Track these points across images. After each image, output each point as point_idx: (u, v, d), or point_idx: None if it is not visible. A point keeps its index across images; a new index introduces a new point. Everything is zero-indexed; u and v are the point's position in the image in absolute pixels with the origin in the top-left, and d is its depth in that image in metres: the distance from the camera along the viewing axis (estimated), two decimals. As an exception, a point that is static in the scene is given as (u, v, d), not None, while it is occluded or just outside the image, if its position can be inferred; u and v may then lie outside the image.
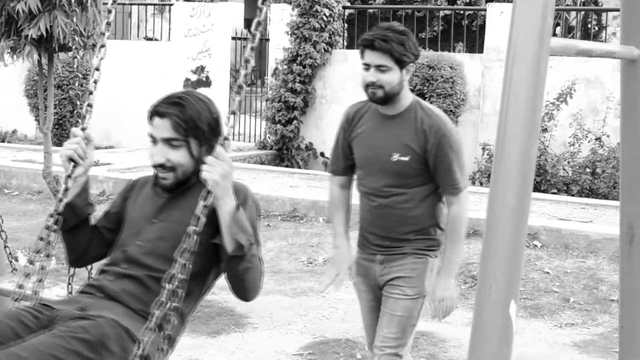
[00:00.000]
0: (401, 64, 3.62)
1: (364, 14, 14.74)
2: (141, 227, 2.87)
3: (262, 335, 5.72)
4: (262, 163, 12.83)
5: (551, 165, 10.35)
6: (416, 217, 3.74)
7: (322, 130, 12.89)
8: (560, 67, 11.11)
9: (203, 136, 2.82)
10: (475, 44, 14.70)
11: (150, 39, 17.74)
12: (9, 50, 6.85)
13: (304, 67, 12.75)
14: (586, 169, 10.44)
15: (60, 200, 2.84)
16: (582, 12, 15.67)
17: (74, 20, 6.54)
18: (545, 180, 10.28)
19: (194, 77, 14.39)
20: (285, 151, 13.14)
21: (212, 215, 2.61)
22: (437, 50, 12.83)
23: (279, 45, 13.28)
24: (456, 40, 16.47)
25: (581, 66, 11.22)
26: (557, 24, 17.21)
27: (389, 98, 3.67)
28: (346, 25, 13.61)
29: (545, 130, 10.51)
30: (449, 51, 13.28)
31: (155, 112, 2.83)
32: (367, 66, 3.67)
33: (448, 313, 3.75)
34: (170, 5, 15.08)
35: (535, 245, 7.56)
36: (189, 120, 2.79)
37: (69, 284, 3.78)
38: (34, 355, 2.44)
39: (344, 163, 3.90)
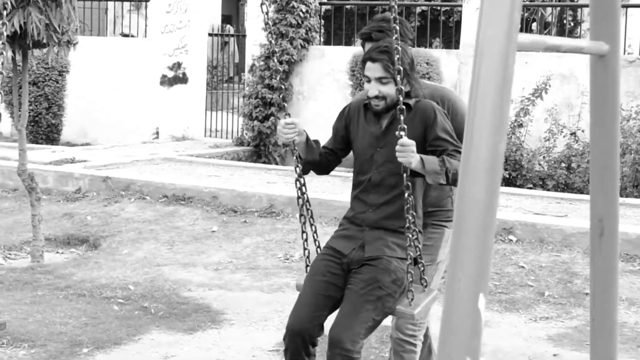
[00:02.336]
0: None
1: (340, 10, 14.75)
2: (370, 154, 3.83)
3: (238, 331, 5.73)
4: (240, 159, 12.80)
5: (527, 161, 10.41)
6: (435, 190, 4.02)
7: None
8: (535, 62, 11.17)
9: (403, 73, 3.63)
10: (451, 40, 14.75)
11: (127, 36, 17.65)
12: (-18, 47, 6.79)
13: (281, 63, 12.74)
14: (561, 164, 10.50)
15: (297, 166, 3.89)
16: (558, 8, 15.75)
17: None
18: (520, 175, 10.34)
19: (170, 74, 14.33)
20: (262, 147, 13.11)
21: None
22: (413, 46, 12.84)
23: (256, 42, 13.27)
24: (433, 36, 16.51)
25: (556, 62, 11.29)
26: (534, 20, 17.29)
27: None
28: (323, 21, 13.62)
29: (520, 125, 10.57)
30: (426, 47, 13.31)
31: (369, 58, 3.74)
32: None
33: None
34: (147, 1, 15.01)
35: (511, 240, 7.60)
36: (394, 63, 3.62)
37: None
38: (356, 311, 3.57)
39: None
